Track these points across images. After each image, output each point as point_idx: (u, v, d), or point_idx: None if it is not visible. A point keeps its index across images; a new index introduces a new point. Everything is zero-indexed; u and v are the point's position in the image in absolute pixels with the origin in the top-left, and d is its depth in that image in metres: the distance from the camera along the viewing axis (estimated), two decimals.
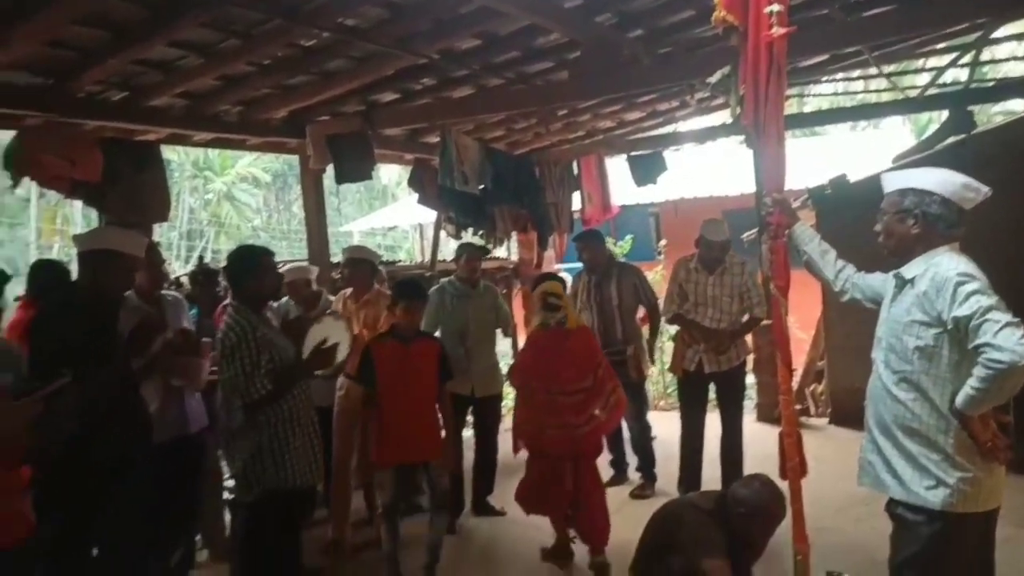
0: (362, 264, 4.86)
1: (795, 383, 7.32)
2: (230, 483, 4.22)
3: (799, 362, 7.44)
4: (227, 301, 3.66)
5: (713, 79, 3.30)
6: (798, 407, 5.94)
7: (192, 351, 3.73)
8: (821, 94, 8.84)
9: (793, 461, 2.87)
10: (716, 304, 4.90)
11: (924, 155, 6.15)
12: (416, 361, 4.07)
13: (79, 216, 18.02)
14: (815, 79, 7.13)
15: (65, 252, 13.66)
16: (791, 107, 8.36)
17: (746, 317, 5.00)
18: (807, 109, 10.03)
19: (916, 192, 2.52)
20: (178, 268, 5.24)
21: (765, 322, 6.94)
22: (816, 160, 12.38)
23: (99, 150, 4.53)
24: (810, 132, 16.07)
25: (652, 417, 5.89)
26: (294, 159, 6.33)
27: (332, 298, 4.95)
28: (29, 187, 13.50)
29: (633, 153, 7.61)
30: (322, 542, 4.64)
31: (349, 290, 4.88)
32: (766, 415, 6.95)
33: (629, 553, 3.58)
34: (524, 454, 4.25)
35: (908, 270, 2.55)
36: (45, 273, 3.64)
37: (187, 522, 4.27)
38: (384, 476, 4.07)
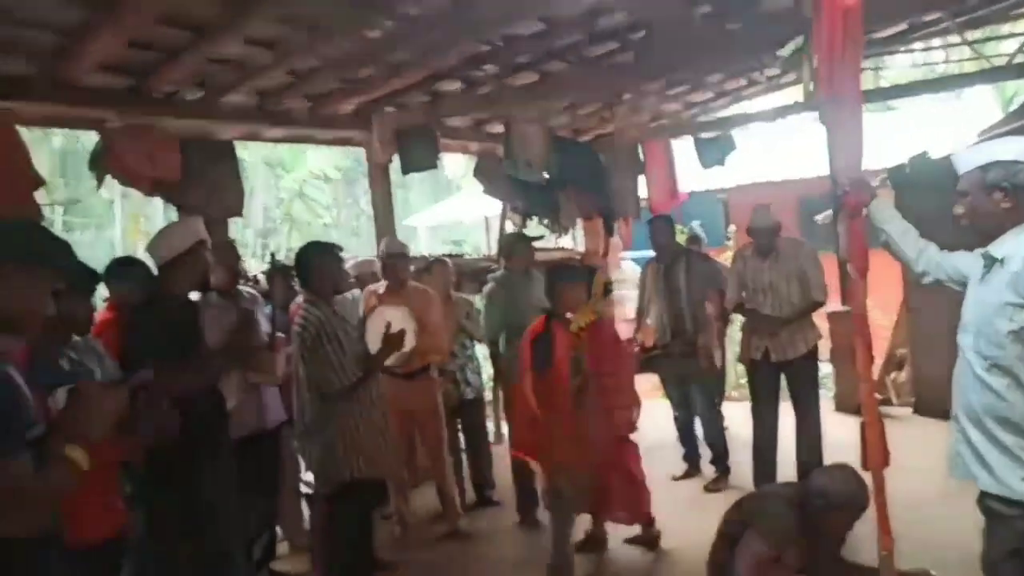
0: (398, 259, 4.70)
1: (875, 371, 7.05)
2: (307, 477, 4.32)
3: (880, 349, 7.16)
4: (300, 296, 3.73)
5: (785, 51, 3.18)
6: (879, 396, 5.73)
7: (267, 347, 3.80)
8: (898, 67, 8.46)
9: (876, 451, 2.77)
10: (774, 290, 4.76)
11: (1011, 128, 5.82)
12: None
13: (160, 216, 18.76)
14: (893, 49, 6.82)
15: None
16: (866, 82, 8.01)
17: None
18: (883, 84, 9.62)
19: (1001, 164, 2.38)
20: (254, 265, 5.41)
21: (842, 308, 6.79)
22: (894, 137, 11.87)
23: (177, 148, 4.70)
24: (886, 107, 15.31)
25: (725, 408, 5.75)
26: (361, 154, 6.43)
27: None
28: (113, 188, 14.12)
29: (700, 135, 7.44)
30: (392, 537, 4.71)
31: (380, 285, 4.74)
32: (845, 405, 6.71)
33: (703, 547, 3.51)
34: None
35: (998, 248, 2.41)
36: (122, 271, 3.77)
37: (268, 514, 4.39)
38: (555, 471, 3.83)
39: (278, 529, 4.62)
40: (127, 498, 2.79)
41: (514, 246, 5.25)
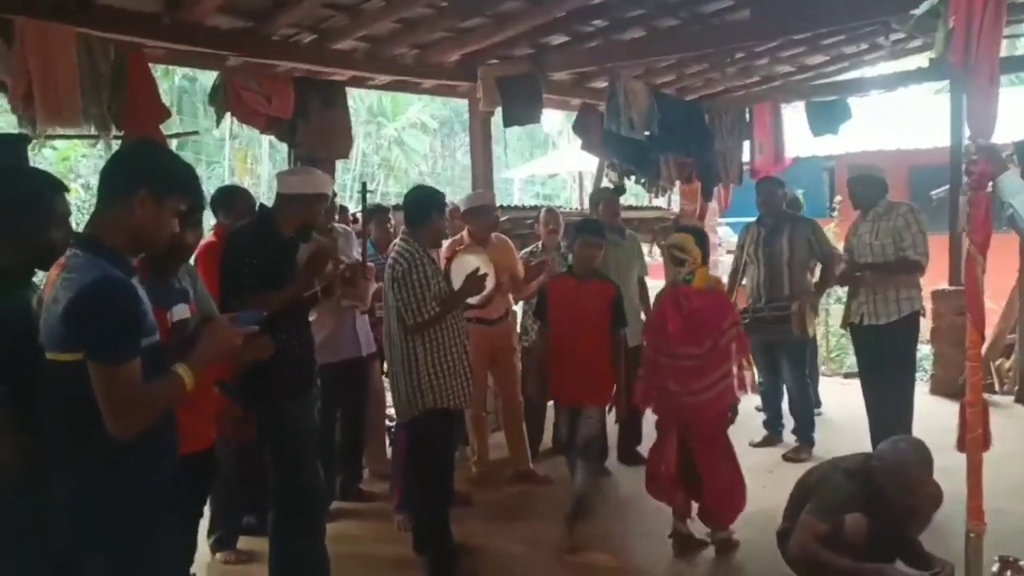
0: (482, 212, 4.66)
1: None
2: (391, 411, 4.50)
3: (987, 333, 6.82)
4: (399, 237, 3.84)
5: (919, 10, 3.00)
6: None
7: (360, 276, 3.95)
8: None
9: (975, 432, 2.68)
10: (872, 251, 4.53)
11: None
12: (586, 300, 3.96)
13: (266, 156, 19.51)
14: None
15: (253, 187, 14.84)
16: (1004, 49, 7.48)
17: None
18: (1019, 53, 8.94)
19: None
20: (352, 207, 5.64)
21: (947, 287, 6.48)
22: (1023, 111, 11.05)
23: (291, 89, 4.88)
24: (1018, 80, 14.19)
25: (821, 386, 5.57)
26: (461, 107, 6.50)
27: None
28: (225, 127, 14.73)
29: (813, 99, 7.14)
30: (468, 476, 4.86)
31: (464, 233, 4.72)
32: (942, 388, 6.44)
33: (775, 516, 3.48)
34: None
35: None
36: (228, 199, 3.98)
37: (353, 439, 4.63)
38: (559, 414, 4.11)
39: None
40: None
41: (602, 198, 5.24)
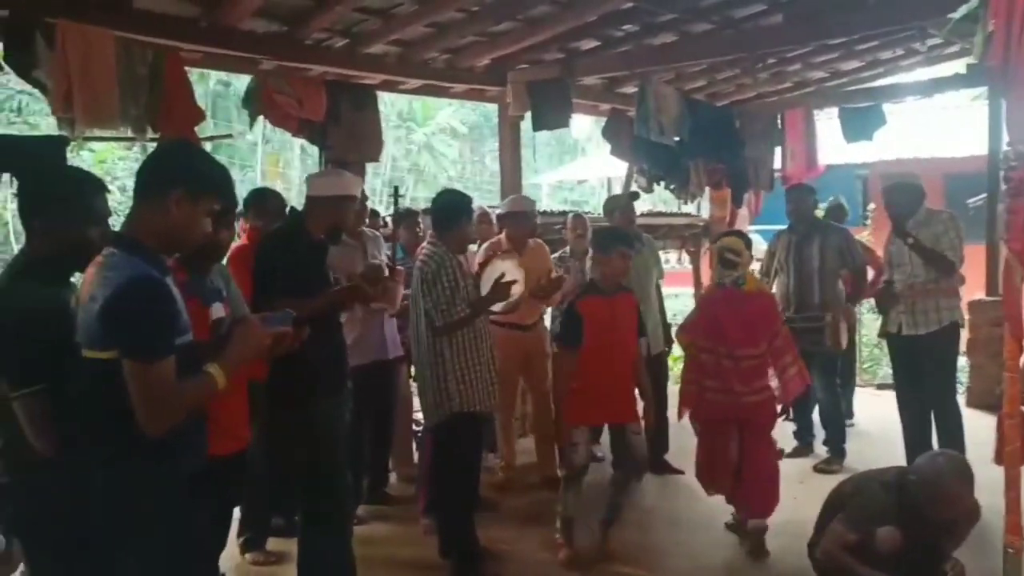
0: (520, 217, 4.63)
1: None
2: (419, 416, 4.50)
3: None
4: (427, 241, 3.86)
5: (957, 14, 2.94)
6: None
7: (389, 278, 3.97)
8: None
9: (1013, 445, 2.62)
10: (912, 260, 4.41)
11: None
12: (620, 316, 3.77)
13: (297, 160, 19.76)
14: None
15: (284, 191, 15.05)
16: None
17: None
18: None
19: None
20: (381, 211, 5.68)
21: (984, 298, 6.34)
22: None
23: (323, 92, 4.93)
24: None
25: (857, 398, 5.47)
26: (491, 112, 6.51)
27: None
28: (258, 131, 14.93)
29: (846, 106, 7.05)
30: (494, 481, 4.87)
31: (502, 238, 4.72)
32: (978, 400, 6.31)
33: (806, 527, 3.43)
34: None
35: None
36: (261, 201, 4.02)
37: (381, 442, 4.64)
38: (579, 435, 3.75)
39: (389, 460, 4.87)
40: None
41: (617, 206, 5.10)
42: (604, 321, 3.68)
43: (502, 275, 3.78)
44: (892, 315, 4.58)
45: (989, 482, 2.94)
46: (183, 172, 2.00)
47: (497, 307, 3.92)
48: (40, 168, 2.22)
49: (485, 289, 3.81)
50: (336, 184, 3.27)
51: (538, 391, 4.96)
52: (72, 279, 2.23)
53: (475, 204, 4.10)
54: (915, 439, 4.50)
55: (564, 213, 6.37)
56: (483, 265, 4.22)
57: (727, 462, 3.92)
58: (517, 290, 3.94)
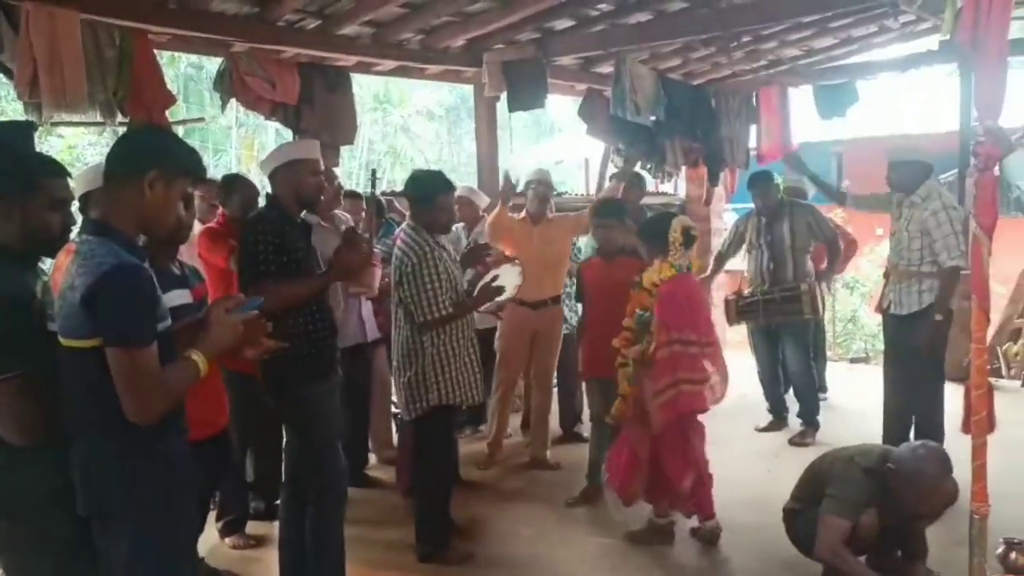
0: (541, 186, 4.83)
1: (987, 338, 6.69)
2: (396, 398, 4.51)
3: (994, 318, 6.78)
4: (405, 224, 3.81)
5: None
6: (989, 366, 5.43)
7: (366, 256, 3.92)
8: None
9: (980, 415, 2.66)
10: (899, 238, 4.47)
11: None
12: (617, 277, 3.94)
13: (272, 144, 19.51)
14: None
15: (259, 176, 14.91)
16: (1014, 31, 7.38)
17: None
18: None
19: None
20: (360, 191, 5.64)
21: (964, 271, 6.44)
22: None
23: (296, 74, 4.87)
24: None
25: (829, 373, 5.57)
26: (467, 93, 6.47)
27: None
28: (231, 115, 14.72)
29: (821, 83, 7.09)
30: (478, 457, 4.92)
31: (521, 211, 4.88)
32: (949, 372, 6.41)
33: (782, 501, 3.50)
34: None
35: None
36: (230, 185, 4.00)
37: (360, 423, 4.64)
38: (591, 387, 4.32)
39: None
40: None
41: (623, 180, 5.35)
42: (602, 282, 4.12)
43: (495, 278, 3.79)
44: (885, 291, 4.64)
45: (956, 451, 3.01)
46: (156, 154, 1.97)
47: (482, 308, 3.96)
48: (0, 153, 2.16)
49: (503, 282, 3.88)
50: (284, 152, 3.16)
51: (541, 371, 4.96)
52: (39, 264, 2.19)
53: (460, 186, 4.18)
54: (892, 416, 4.58)
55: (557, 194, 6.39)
56: (495, 225, 4.64)
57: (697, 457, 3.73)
58: (508, 295, 4.04)
